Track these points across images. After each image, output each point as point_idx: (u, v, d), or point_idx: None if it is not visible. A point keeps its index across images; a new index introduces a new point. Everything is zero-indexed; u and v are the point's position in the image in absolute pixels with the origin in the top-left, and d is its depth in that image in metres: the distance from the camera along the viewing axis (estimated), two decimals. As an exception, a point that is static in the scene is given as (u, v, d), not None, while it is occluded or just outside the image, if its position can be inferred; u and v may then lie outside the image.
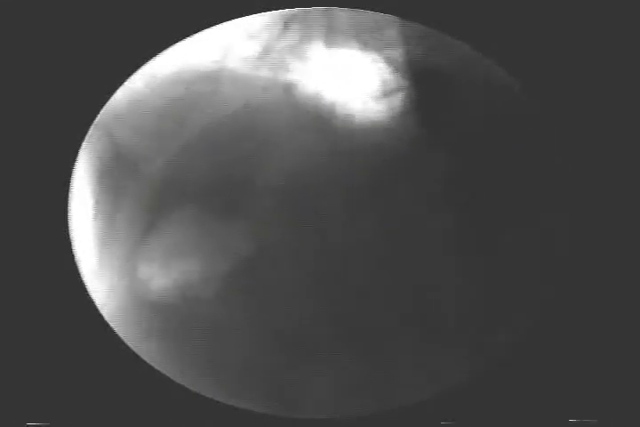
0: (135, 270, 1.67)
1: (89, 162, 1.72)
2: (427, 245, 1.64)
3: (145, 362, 1.71)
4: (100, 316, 1.71)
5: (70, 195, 1.74)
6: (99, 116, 1.73)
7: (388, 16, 1.73)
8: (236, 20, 1.75)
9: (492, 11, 1.78)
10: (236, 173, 1.65)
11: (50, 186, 1.77)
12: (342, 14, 1.72)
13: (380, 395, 1.68)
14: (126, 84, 1.72)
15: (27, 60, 1.81)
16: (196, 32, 1.74)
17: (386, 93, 1.66)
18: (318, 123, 1.65)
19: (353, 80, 1.68)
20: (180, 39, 1.74)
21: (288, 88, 1.67)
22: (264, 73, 1.69)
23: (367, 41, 1.70)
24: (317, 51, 1.70)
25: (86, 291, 1.72)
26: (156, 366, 1.70)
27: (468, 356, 1.67)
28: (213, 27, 1.74)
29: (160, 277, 1.66)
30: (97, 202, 1.70)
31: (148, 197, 1.67)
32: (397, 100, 1.66)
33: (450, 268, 1.64)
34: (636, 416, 1.76)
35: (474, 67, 1.71)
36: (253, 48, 1.71)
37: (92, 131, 1.72)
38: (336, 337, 1.64)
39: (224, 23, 1.74)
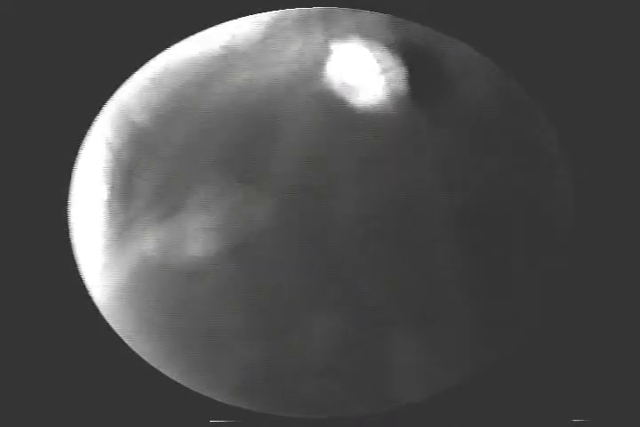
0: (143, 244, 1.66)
1: (103, 138, 1.71)
2: (432, 224, 1.63)
3: (139, 358, 1.70)
4: (96, 311, 1.70)
5: (73, 183, 1.73)
6: (116, 93, 1.73)
7: (387, 16, 1.73)
8: (235, 20, 1.76)
9: (493, 11, 1.79)
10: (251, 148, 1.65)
11: (49, 181, 1.78)
12: (341, 13, 1.73)
13: (379, 395, 1.68)
14: (146, 65, 1.73)
15: (27, 60, 1.81)
16: (196, 32, 1.75)
17: (382, 72, 1.66)
18: (321, 101, 1.65)
19: (351, 60, 1.68)
20: (180, 39, 1.75)
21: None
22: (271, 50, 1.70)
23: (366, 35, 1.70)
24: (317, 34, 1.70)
25: (83, 287, 1.71)
26: (147, 359, 1.70)
27: (469, 356, 1.67)
28: (213, 26, 1.75)
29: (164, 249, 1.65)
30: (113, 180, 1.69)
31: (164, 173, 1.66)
32: (394, 80, 1.66)
33: (453, 257, 1.64)
34: (635, 417, 1.77)
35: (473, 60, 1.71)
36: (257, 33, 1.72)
37: (109, 107, 1.72)
38: (335, 335, 1.65)
39: (224, 23, 1.75)
